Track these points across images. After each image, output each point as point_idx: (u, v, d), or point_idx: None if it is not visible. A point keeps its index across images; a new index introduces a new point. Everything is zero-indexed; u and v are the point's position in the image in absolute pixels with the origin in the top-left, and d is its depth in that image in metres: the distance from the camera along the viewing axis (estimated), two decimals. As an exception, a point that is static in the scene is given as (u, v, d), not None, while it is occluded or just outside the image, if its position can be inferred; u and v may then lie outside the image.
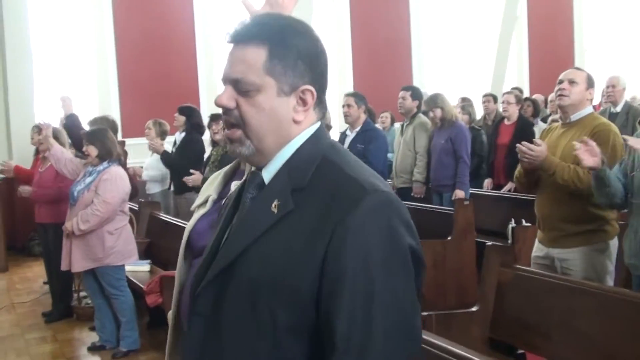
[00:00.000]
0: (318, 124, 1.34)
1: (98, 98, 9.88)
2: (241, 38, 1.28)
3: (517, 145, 3.54)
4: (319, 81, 1.31)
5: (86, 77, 10.00)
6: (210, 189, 2.22)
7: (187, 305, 2.08)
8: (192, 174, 5.84)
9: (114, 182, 4.72)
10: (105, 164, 4.78)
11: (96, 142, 4.77)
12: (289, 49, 1.26)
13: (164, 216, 6.07)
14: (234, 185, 2.09)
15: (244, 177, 1.42)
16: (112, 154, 4.82)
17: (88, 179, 4.78)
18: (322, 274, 1.15)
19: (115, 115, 9.15)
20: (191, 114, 6.79)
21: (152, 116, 7.26)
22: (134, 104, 9.58)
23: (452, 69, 12.71)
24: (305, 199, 1.21)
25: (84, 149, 4.82)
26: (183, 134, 6.74)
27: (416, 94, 6.59)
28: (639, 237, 3.06)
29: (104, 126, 5.35)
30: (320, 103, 1.33)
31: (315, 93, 1.29)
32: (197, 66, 10.39)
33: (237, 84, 1.27)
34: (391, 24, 11.50)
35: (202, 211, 2.17)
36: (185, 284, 2.15)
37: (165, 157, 6.47)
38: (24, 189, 6.05)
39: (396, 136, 6.96)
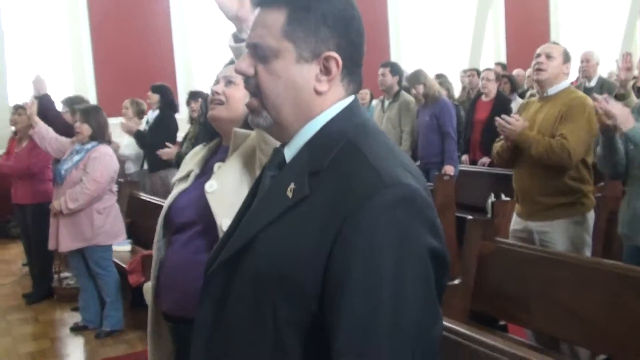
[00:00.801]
0: (349, 100, 1.21)
1: (73, 78, 9.75)
2: (264, 2, 1.21)
3: (496, 118, 3.61)
4: (348, 50, 1.18)
5: (60, 57, 9.83)
6: (191, 163, 2.18)
7: (167, 279, 2.08)
8: (167, 147, 5.88)
9: (103, 160, 4.68)
10: (93, 142, 4.73)
11: (91, 120, 4.72)
12: (311, 11, 1.16)
13: (144, 196, 6.03)
14: (217, 166, 2.08)
15: (267, 163, 1.32)
16: (104, 135, 4.79)
17: (76, 157, 4.73)
18: (326, 273, 1.06)
19: (92, 95, 9.05)
20: (165, 92, 6.76)
21: (128, 95, 7.19)
22: (111, 84, 9.46)
23: (430, 44, 12.72)
24: (320, 185, 1.10)
25: (76, 125, 4.75)
26: (156, 112, 6.71)
27: (395, 69, 6.59)
28: (632, 208, 3.12)
29: (95, 105, 5.30)
30: (351, 75, 1.21)
31: (340, 61, 1.17)
32: (173, 44, 10.28)
33: (255, 49, 1.19)
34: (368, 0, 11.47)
35: (182, 186, 2.13)
36: (164, 259, 2.14)
37: (138, 136, 6.46)
38: None
39: (376, 112, 6.96)
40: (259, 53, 1.19)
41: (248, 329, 1.15)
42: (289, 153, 1.22)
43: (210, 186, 1.99)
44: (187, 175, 2.15)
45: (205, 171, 2.12)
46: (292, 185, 1.14)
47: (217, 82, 2.09)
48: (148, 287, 2.22)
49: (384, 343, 1.03)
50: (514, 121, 3.51)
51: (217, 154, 2.17)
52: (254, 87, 1.21)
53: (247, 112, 1.29)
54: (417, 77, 6.25)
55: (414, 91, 6.24)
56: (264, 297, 1.12)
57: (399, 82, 6.55)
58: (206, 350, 1.24)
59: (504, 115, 3.58)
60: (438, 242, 1.10)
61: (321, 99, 1.19)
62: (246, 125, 2.02)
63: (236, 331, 1.18)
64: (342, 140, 1.15)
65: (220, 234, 1.87)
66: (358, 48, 1.21)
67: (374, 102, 8.67)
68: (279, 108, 1.19)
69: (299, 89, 1.18)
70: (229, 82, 2.06)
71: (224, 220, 1.89)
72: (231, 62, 2.04)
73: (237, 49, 1.87)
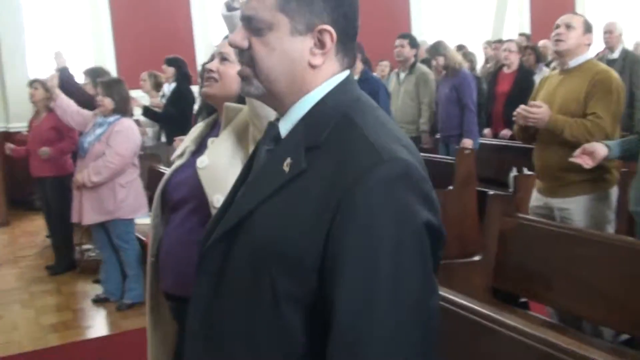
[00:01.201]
0: (344, 75, 1.22)
1: (93, 50, 9.75)
2: None
3: (517, 111, 3.49)
4: (342, 24, 1.18)
5: (80, 30, 9.80)
6: (188, 139, 2.17)
7: (166, 259, 2.06)
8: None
9: (126, 134, 4.67)
10: (116, 115, 4.71)
11: (113, 94, 4.70)
12: None
13: (164, 168, 6.04)
14: (210, 141, 2.05)
15: (262, 137, 1.29)
16: (126, 108, 4.78)
17: (98, 131, 4.72)
18: (325, 248, 1.06)
19: (111, 67, 9.03)
20: (181, 65, 6.76)
21: (148, 68, 7.20)
22: (130, 56, 9.45)
23: (451, 15, 12.51)
24: (317, 160, 1.10)
25: (98, 98, 4.74)
26: (173, 85, 6.70)
27: (414, 42, 6.52)
28: None
29: (117, 77, 5.29)
30: (345, 50, 1.21)
31: (334, 35, 1.17)
32: (191, 16, 10.21)
33: (249, 22, 1.18)
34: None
35: (179, 162, 2.12)
36: (163, 238, 2.10)
37: (146, 112, 6.48)
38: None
39: (391, 84, 6.87)
40: (253, 26, 1.18)
41: (246, 305, 1.15)
42: (284, 127, 1.22)
43: (201, 162, 1.96)
44: (184, 152, 2.14)
45: (201, 147, 2.09)
46: (288, 160, 1.14)
47: (212, 58, 2.06)
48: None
49: (384, 319, 1.04)
50: (538, 109, 3.39)
51: (213, 130, 2.15)
52: (248, 59, 1.20)
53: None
54: (437, 48, 6.17)
55: (434, 62, 6.15)
56: (262, 272, 1.12)
57: (416, 55, 6.49)
58: (203, 326, 1.23)
59: (523, 106, 3.46)
60: (434, 216, 1.11)
61: (315, 73, 1.19)
62: (240, 101, 2.00)
63: (234, 307, 1.17)
64: (338, 115, 1.15)
65: (213, 211, 1.85)
66: (352, 22, 1.21)
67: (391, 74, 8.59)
68: (273, 80, 1.19)
69: (294, 62, 1.18)
70: (223, 59, 2.03)
71: (215, 196, 1.87)
72: (227, 37, 2.01)
73: (230, 18, 1.85)
